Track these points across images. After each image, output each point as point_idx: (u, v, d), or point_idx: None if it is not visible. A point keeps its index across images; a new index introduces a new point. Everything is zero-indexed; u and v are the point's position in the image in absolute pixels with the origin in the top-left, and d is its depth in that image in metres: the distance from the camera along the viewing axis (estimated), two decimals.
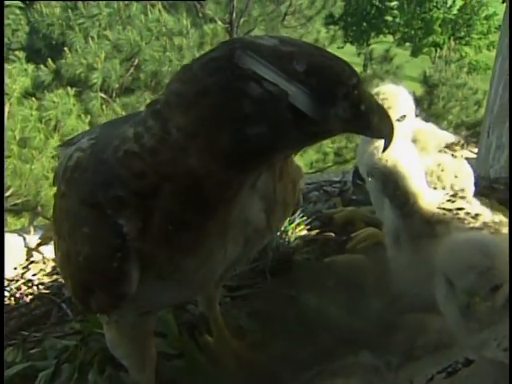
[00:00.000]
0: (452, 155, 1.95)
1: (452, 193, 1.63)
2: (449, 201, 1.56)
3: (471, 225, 1.49)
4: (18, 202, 7.68)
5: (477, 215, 1.52)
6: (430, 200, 1.55)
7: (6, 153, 7.05)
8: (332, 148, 10.22)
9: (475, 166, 2.81)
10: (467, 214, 1.52)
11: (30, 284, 2.24)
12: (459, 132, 11.42)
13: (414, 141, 1.88)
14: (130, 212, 0.99)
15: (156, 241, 0.99)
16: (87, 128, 8.29)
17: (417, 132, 1.90)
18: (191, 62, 0.97)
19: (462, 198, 1.59)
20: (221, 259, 1.08)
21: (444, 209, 1.53)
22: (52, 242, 1.66)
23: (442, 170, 1.86)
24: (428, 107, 10.96)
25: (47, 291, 2.17)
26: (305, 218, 2.15)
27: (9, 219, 7.42)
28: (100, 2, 8.87)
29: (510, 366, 1.04)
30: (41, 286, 2.23)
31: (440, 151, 1.93)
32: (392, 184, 1.51)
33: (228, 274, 1.26)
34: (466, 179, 1.95)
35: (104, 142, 1.10)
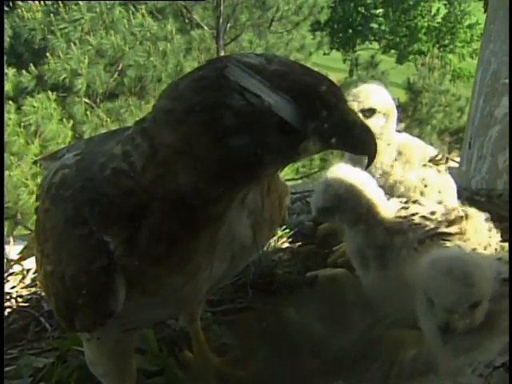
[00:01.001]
0: (437, 170, 1.95)
1: (405, 199, 1.63)
2: (403, 208, 1.57)
3: (427, 227, 1.51)
4: None
5: (432, 213, 1.54)
6: (389, 210, 1.56)
7: None
8: None
9: (457, 177, 2.84)
10: (422, 217, 1.53)
11: (8, 297, 2.19)
12: (443, 138, 11.57)
13: (399, 153, 1.89)
14: (116, 229, 0.98)
15: (143, 258, 0.99)
16: (69, 133, 8.22)
17: (401, 145, 1.90)
18: (178, 80, 0.97)
19: (415, 201, 1.60)
20: (207, 276, 1.08)
21: (400, 217, 1.55)
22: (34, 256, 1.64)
23: (426, 186, 1.86)
24: (412, 113, 11.11)
25: (26, 304, 2.13)
26: (287, 230, 2.14)
27: None
28: (82, 6, 8.78)
29: (509, 367, 1.07)
30: (19, 299, 2.18)
31: (424, 165, 1.93)
32: (353, 202, 1.52)
33: (212, 290, 1.25)
34: (450, 194, 1.95)
35: (90, 159, 1.09)
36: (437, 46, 17.67)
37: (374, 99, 1.78)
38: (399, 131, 1.97)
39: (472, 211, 1.58)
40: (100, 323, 1.05)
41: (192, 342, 1.57)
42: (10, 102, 7.92)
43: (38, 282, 2.15)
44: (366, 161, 1.01)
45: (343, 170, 1.56)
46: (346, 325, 1.58)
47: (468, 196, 2.49)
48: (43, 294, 2.17)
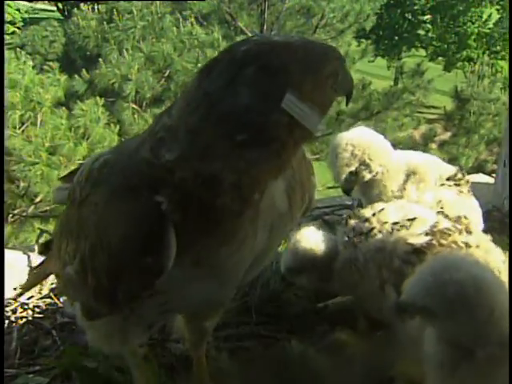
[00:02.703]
0: (458, 191, 1.84)
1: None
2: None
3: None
4: (47, 208, 7.83)
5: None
6: None
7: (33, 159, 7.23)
8: None
9: (492, 195, 2.69)
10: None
11: (25, 307, 2.21)
12: (492, 148, 11.13)
13: (413, 173, 1.80)
14: (168, 192, 1.00)
15: (192, 226, 1.00)
16: (115, 137, 8.46)
17: (415, 165, 1.81)
18: None
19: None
20: (251, 247, 1.08)
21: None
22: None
23: (442, 208, 1.75)
24: (459, 122, 10.76)
25: (41, 316, 2.14)
26: None
27: (38, 225, 7.54)
28: (136, 14, 9.08)
29: (509, 366, 1.08)
30: (37, 309, 2.20)
31: (442, 185, 1.83)
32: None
33: (248, 276, 1.23)
34: (470, 215, 1.83)
35: (129, 147, 1.13)
36: (487, 52, 17.05)
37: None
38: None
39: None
40: (148, 284, 1.03)
41: (192, 369, 1.53)
42: (64, 108, 8.17)
43: (61, 287, 2.13)
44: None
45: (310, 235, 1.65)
46: (352, 360, 1.50)
47: (499, 218, 2.35)
48: (60, 304, 2.19)
